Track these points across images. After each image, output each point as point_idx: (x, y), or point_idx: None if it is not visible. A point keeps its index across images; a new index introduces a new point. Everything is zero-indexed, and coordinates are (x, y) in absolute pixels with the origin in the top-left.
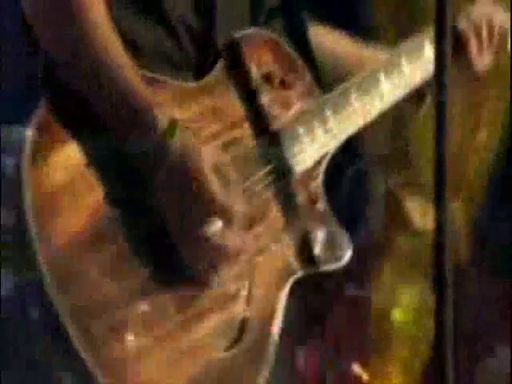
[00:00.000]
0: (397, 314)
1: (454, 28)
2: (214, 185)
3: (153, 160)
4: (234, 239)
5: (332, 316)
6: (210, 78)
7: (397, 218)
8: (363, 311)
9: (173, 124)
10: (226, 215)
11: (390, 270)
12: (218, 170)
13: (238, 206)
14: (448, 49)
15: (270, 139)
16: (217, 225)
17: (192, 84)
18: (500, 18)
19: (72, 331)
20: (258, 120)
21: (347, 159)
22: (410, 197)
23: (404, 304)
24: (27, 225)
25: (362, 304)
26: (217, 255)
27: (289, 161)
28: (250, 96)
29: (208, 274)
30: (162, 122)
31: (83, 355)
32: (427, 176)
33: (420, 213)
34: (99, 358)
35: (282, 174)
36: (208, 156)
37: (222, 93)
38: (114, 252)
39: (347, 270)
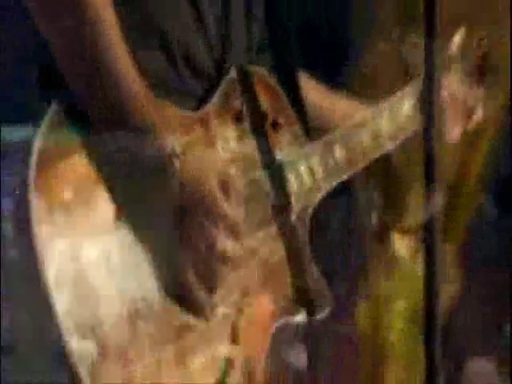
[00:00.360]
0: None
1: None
2: (223, 202)
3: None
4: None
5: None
6: (208, 109)
7: (384, 249)
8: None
9: None
10: (234, 230)
11: (377, 299)
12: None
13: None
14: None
15: (273, 173)
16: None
17: (191, 112)
18: (473, 95)
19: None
20: (265, 153)
21: None
22: (398, 230)
23: (394, 325)
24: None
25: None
26: (221, 269)
27: (289, 198)
28: (256, 130)
29: (207, 298)
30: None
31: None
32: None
33: (408, 248)
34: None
35: (282, 210)
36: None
37: (221, 124)
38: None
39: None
